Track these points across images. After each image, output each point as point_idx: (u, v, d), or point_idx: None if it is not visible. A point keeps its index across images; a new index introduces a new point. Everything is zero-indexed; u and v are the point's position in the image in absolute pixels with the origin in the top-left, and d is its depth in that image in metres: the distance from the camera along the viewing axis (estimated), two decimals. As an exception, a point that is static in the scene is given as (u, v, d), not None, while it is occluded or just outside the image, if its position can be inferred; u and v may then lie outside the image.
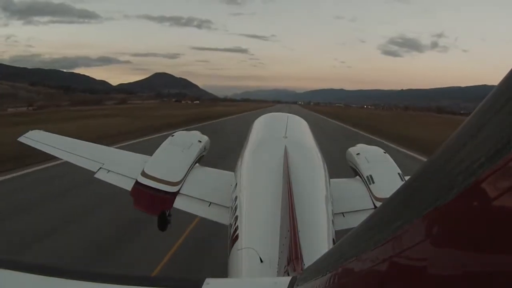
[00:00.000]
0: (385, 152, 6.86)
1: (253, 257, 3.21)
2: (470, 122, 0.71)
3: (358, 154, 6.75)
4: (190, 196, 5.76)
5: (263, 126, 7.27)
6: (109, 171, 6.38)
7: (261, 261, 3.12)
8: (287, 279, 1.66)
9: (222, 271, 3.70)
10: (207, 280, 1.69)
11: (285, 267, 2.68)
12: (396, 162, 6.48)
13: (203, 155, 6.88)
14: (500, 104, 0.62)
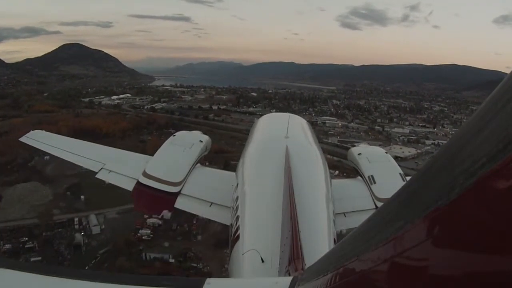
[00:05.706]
0: (386, 153, 6.90)
1: (254, 257, 3.24)
2: (472, 122, 0.69)
3: (359, 154, 6.73)
4: (191, 196, 5.80)
5: (264, 126, 7.27)
6: (110, 171, 6.39)
7: (263, 261, 3.16)
8: (288, 279, 1.66)
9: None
10: (208, 280, 1.68)
11: (286, 267, 2.71)
12: None
13: (204, 155, 6.92)
14: (501, 105, 0.60)
